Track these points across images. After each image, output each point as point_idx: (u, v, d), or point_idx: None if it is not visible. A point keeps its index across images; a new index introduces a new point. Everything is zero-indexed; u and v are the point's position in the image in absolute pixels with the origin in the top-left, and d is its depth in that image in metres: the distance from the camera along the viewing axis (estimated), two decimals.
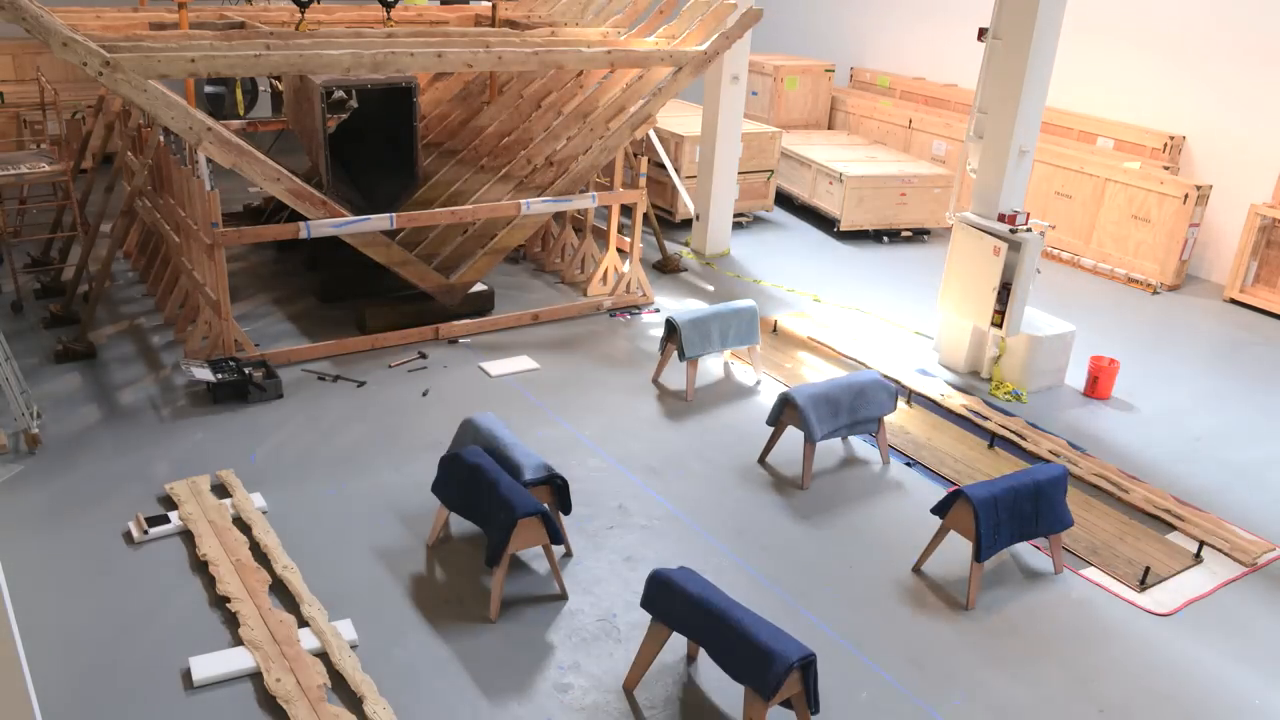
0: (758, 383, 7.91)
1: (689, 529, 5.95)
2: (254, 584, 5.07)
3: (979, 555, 5.26)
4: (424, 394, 7.39)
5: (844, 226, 11.73)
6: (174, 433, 6.64)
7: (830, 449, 6.96)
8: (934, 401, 7.72)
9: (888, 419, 7.26)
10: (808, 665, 4.06)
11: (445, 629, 5.00)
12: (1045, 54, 7.40)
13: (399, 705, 4.48)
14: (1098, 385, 7.96)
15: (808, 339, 8.79)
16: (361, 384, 7.27)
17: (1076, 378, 8.21)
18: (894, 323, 9.29)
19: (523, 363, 7.97)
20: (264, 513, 5.81)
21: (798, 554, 5.78)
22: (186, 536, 5.52)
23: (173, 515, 5.62)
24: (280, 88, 11.27)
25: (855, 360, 8.37)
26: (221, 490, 5.95)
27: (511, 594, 5.29)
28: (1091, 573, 5.71)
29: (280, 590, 5.13)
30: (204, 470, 6.14)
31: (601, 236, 9.75)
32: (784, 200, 12.88)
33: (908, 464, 6.81)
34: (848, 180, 11.54)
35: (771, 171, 12.01)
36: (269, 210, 9.78)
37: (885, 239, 11.95)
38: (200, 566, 5.27)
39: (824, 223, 12.32)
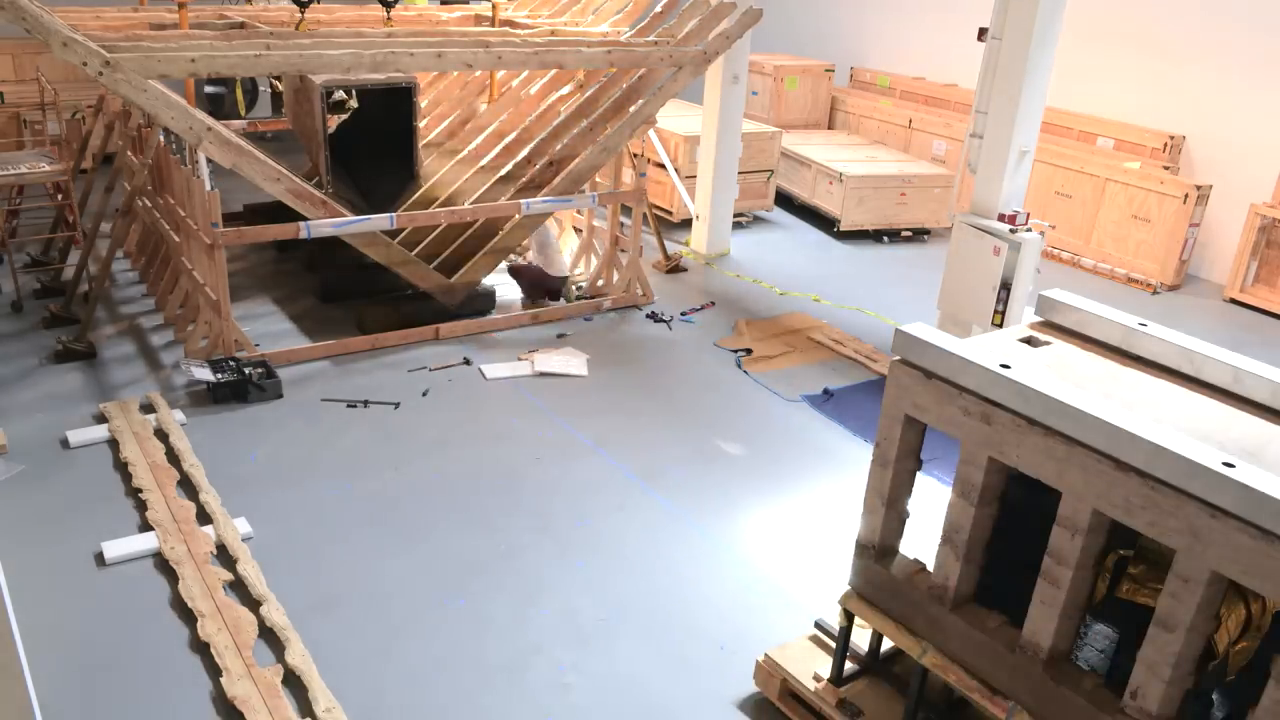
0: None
1: (690, 529, 5.95)
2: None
3: None
4: (423, 394, 7.39)
5: (844, 226, 11.73)
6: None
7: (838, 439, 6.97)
8: None
9: None
10: None
11: (443, 626, 5.01)
12: (1045, 54, 7.40)
13: (398, 703, 4.49)
14: None
15: (807, 338, 8.80)
16: (397, 406, 7.18)
17: None
18: (891, 321, 9.30)
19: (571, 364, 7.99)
20: (248, 539, 5.79)
21: (804, 553, 5.79)
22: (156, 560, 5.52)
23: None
24: (280, 88, 11.27)
25: (853, 358, 8.39)
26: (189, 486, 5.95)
27: (512, 594, 5.30)
28: None
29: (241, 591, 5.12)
30: (208, 469, 6.15)
31: (601, 236, 9.75)
32: (783, 200, 12.87)
33: None
34: (848, 180, 11.54)
35: (771, 171, 12.01)
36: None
37: (885, 239, 11.94)
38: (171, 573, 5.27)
39: (824, 222, 12.32)
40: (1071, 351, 3.97)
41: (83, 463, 6.25)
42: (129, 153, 8.61)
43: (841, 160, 12.08)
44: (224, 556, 5.37)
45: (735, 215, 11.28)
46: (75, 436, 6.45)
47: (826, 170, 11.95)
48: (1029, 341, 4.03)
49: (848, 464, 6.78)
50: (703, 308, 9.37)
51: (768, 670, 4.51)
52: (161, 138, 7.93)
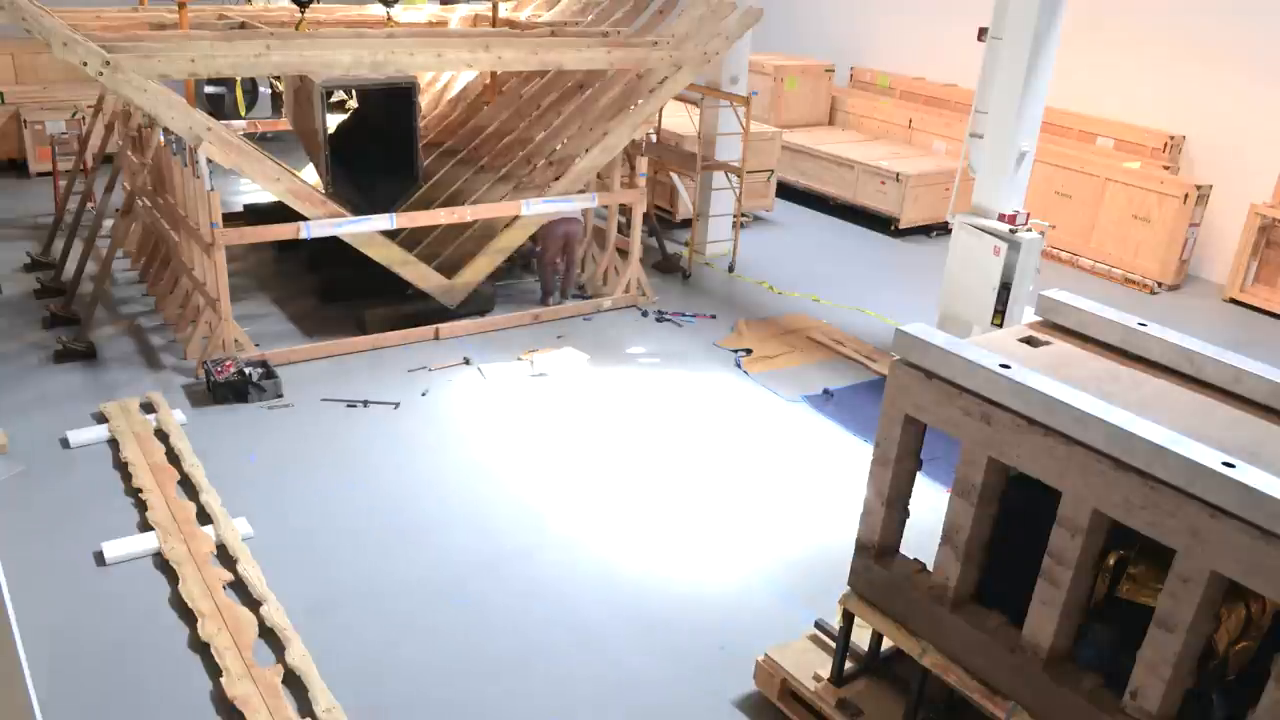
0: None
1: (690, 528, 5.95)
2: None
3: None
4: (423, 394, 7.39)
5: (903, 224, 11.96)
6: None
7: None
8: None
9: None
10: None
11: (443, 626, 5.01)
12: (1045, 54, 7.40)
13: (398, 703, 4.49)
14: None
15: (807, 338, 8.80)
16: (397, 405, 7.18)
17: None
18: (891, 321, 9.29)
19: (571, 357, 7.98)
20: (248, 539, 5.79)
21: (800, 542, 5.78)
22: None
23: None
24: (280, 88, 11.27)
25: (853, 358, 8.40)
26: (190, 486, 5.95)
27: (512, 594, 5.30)
28: None
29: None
30: (208, 469, 6.14)
31: (602, 237, 9.75)
32: (797, 196, 12.88)
33: None
34: (905, 179, 11.79)
35: (771, 171, 12.00)
36: None
37: (934, 233, 12.02)
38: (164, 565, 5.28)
39: (826, 221, 12.32)
40: (1071, 351, 3.97)
41: (83, 463, 6.25)
42: (129, 153, 8.61)
43: (884, 159, 12.33)
44: (224, 556, 5.36)
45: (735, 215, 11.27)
46: (75, 436, 6.45)
47: (877, 170, 12.05)
48: (1029, 341, 4.03)
49: (848, 464, 6.78)
50: (697, 315, 9.38)
51: (768, 670, 4.51)
52: (161, 138, 7.93)
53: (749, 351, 8.41)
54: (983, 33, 7.79)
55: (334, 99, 10.19)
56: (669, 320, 9.00)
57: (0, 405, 6.80)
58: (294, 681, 4.51)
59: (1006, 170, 7.66)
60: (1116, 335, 3.99)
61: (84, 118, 10.92)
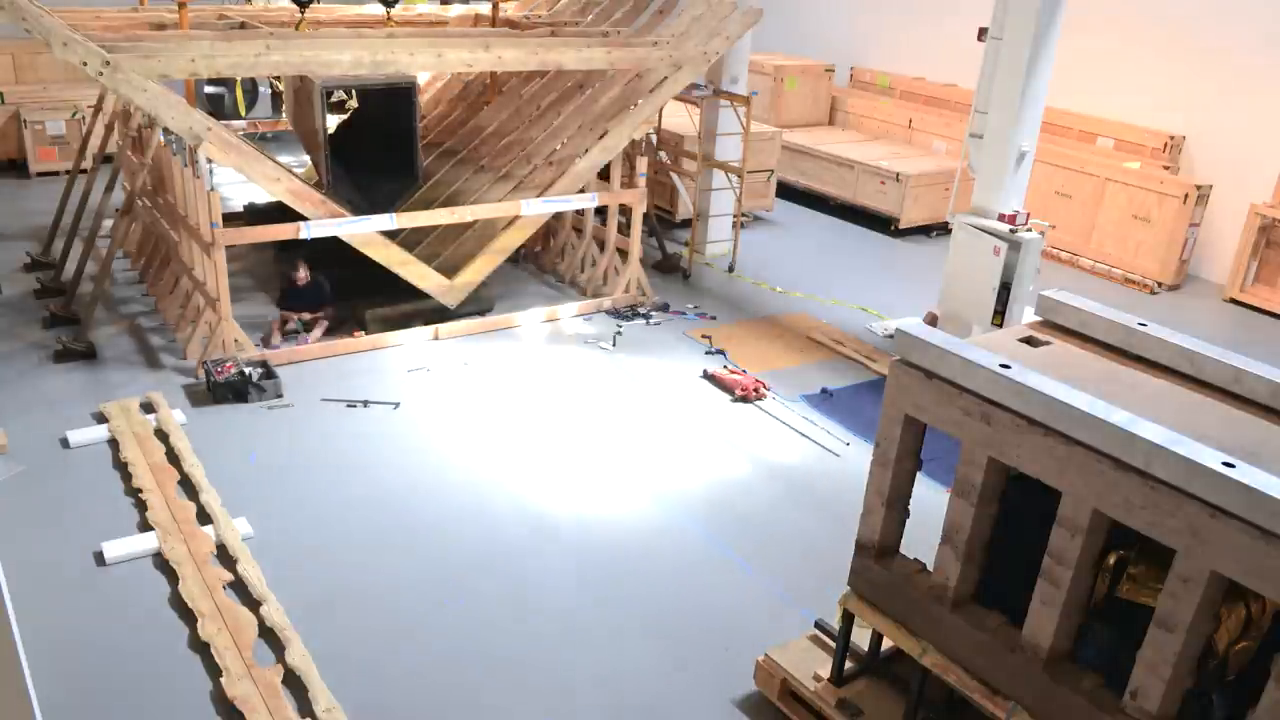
0: None
1: (690, 529, 5.96)
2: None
3: None
4: (423, 394, 7.38)
5: (903, 224, 11.95)
6: None
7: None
8: None
9: None
10: None
11: (443, 626, 5.01)
12: (1045, 54, 7.39)
13: (398, 703, 4.49)
14: None
15: (806, 338, 8.80)
16: (397, 406, 7.17)
17: None
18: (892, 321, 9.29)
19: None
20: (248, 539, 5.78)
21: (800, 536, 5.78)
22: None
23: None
24: (280, 88, 11.26)
25: (853, 358, 8.40)
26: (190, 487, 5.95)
27: (512, 594, 5.30)
28: None
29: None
30: (208, 469, 6.14)
31: (601, 236, 9.74)
32: (797, 196, 12.88)
33: None
34: (905, 179, 11.78)
35: (771, 171, 12.00)
36: None
37: (934, 233, 12.00)
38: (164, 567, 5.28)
39: (826, 221, 12.32)
40: (1071, 351, 3.97)
41: (83, 463, 6.24)
42: (129, 153, 8.60)
43: (884, 159, 12.30)
44: (224, 556, 5.36)
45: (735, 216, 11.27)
46: (75, 436, 6.45)
47: (877, 170, 12.05)
48: (1029, 341, 4.03)
49: (848, 464, 6.78)
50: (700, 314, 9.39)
51: (768, 670, 4.51)
52: (161, 138, 7.93)
53: (723, 352, 8.40)
54: (983, 33, 7.78)
55: (334, 99, 10.18)
56: (680, 314, 9.02)
57: (0, 405, 6.80)
58: (294, 681, 4.51)
59: (1006, 170, 7.66)
60: (1116, 335, 3.99)
61: (84, 118, 10.92)
